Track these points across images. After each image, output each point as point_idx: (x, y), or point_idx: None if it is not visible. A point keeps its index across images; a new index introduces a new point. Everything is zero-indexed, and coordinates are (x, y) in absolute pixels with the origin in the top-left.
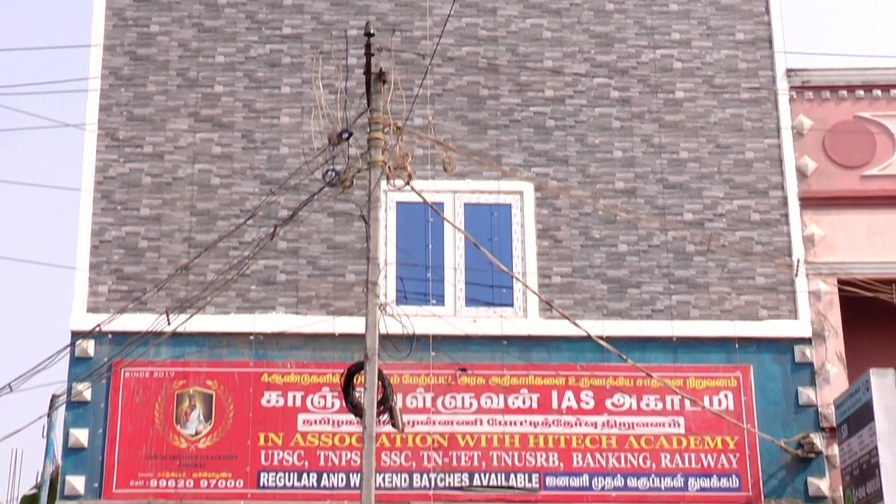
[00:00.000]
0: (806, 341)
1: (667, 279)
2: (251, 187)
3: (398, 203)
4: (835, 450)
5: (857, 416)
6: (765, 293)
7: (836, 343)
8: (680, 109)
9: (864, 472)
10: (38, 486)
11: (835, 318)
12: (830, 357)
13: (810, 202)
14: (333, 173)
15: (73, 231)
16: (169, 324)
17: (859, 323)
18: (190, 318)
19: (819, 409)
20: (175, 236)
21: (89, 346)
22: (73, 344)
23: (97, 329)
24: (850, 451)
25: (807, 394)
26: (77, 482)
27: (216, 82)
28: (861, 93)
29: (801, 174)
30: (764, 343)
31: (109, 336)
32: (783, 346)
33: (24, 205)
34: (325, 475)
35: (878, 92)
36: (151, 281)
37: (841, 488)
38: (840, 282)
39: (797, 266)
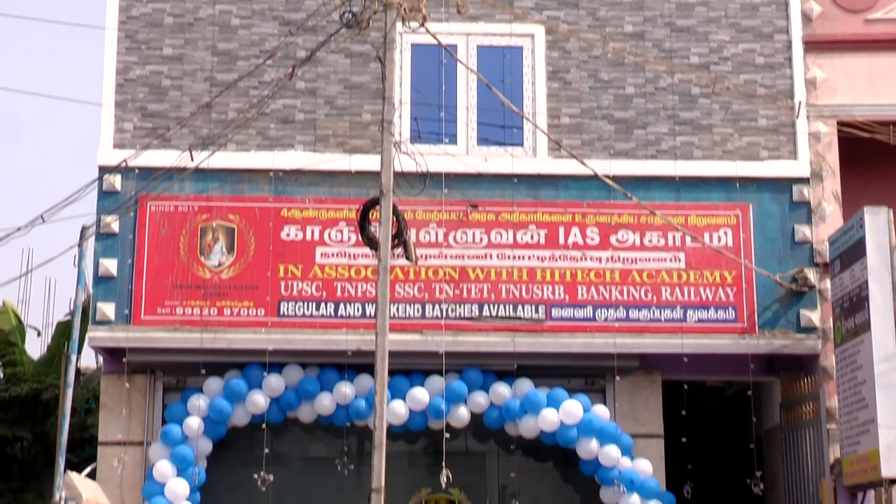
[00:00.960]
0: (804, 181)
1: (672, 121)
2: (270, 28)
3: (413, 45)
4: (827, 284)
5: (850, 252)
6: (766, 134)
7: (832, 183)
8: None
9: (853, 305)
10: (72, 313)
11: (833, 158)
12: (827, 196)
13: (814, 46)
14: (350, 15)
15: (99, 70)
16: (192, 160)
17: (856, 164)
18: (212, 154)
19: (814, 246)
20: (197, 75)
21: (116, 181)
22: (100, 178)
23: (123, 164)
24: (841, 285)
25: (803, 231)
26: (108, 309)
27: None
28: None
29: (806, 18)
30: (764, 182)
31: (136, 171)
32: (782, 185)
33: (52, 44)
34: (341, 305)
35: None
36: (175, 118)
37: (831, 320)
38: (840, 123)
39: (798, 108)
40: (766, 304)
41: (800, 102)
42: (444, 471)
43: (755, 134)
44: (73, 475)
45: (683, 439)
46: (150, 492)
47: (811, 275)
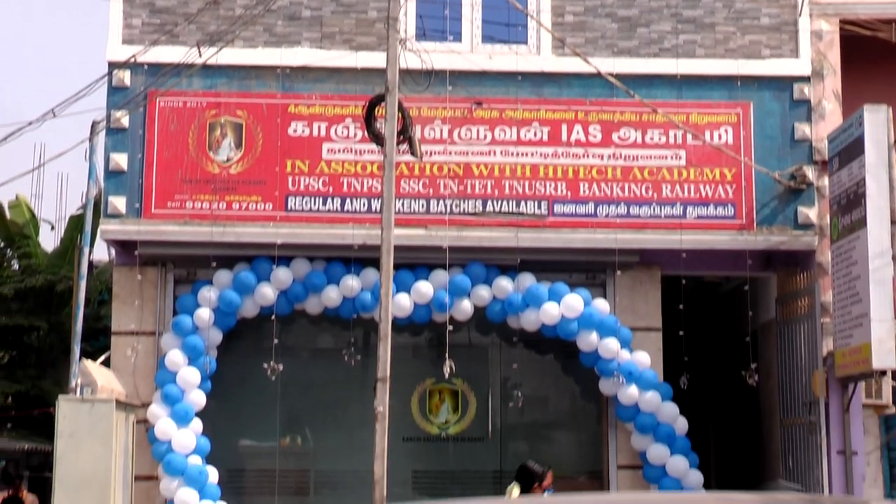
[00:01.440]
0: (805, 79)
1: (675, 19)
2: None
3: None
4: (825, 181)
5: (849, 149)
6: (768, 33)
7: (833, 81)
8: None
9: (850, 202)
10: (84, 207)
11: (834, 57)
12: (827, 94)
13: None
14: None
15: None
16: (200, 56)
17: (857, 62)
18: (219, 50)
19: (813, 144)
20: None
21: (126, 77)
22: (110, 74)
23: (132, 60)
24: (839, 183)
25: (802, 129)
26: (119, 203)
27: None
28: None
29: None
30: (765, 81)
31: (144, 67)
32: (783, 83)
33: None
34: (348, 200)
35: None
36: (183, 14)
37: (828, 217)
38: (842, 22)
39: (801, 6)
40: (765, 202)
41: (802, 0)
42: (447, 362)
43: (757, 32)
44: (88, 363)
45: (681, 332)
46: (163, 380)
47: (809, 172)
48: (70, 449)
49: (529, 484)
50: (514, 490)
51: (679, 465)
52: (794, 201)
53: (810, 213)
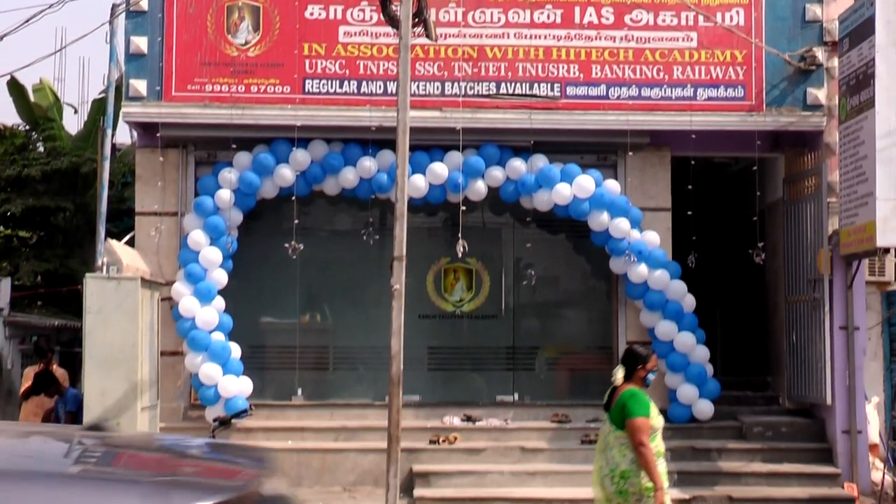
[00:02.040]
0: None
1: None
2: None
3: None
4: (835, 62)
5: (859, 30)
6: None
7: None
8: None
9: (859, 82)
10: (106, 90)
11: None
12: None
13: None
14: None
15: None
16: None
17: None
18: None
19: (823, 25)
20: None
21: None
22: None
23: None
24: (848, 64)
25: (813, 10)
26: (140, 85)
27: None
28: None
29: None
30: None
31: None
32: None
33: None
34: (364, 83)
35: None
36: None
37: (837, 97)
38: None
39: None
40: (775, 83)
41: None
42: (459, 241)
43: None
44: (113, 243)
45: (690, 212)
46: (186, 259)
47: (819, 53)
48: (98, 325)
49: (633, 367)
50: (619, 373)
51: (686, 341)
52: (803, 82)
53: (819, 93)
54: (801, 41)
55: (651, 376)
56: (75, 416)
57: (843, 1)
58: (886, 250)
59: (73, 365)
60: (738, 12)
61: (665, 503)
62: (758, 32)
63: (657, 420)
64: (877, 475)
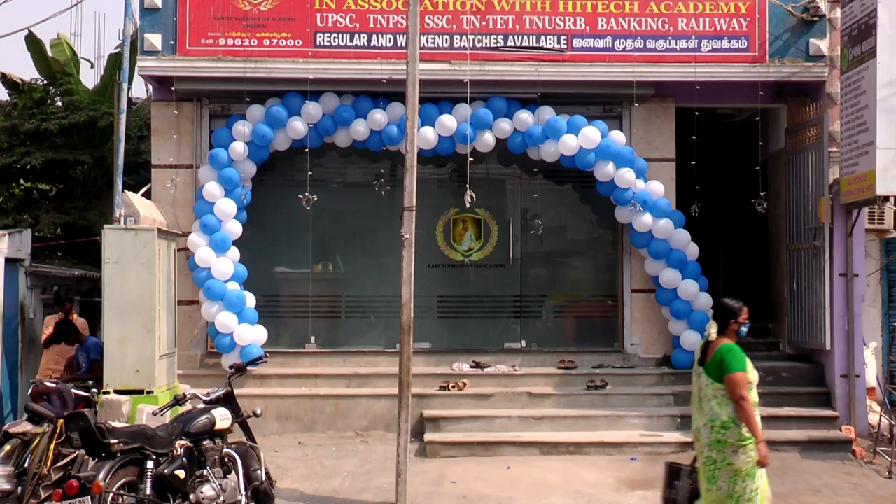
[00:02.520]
0: None
1: None
2: None
3: None
4: (837, 13)
5: None
6: None
7: None
8: None
9: (861, 33)
10: (121, 45)
11: None
12: None
13: None
14: None
15: None
16: None
17: None
18: None
19: None
20: None
21: None
22: None
23: None
24: (851, 14)
25: None
26: (154, 40)
27: None
28: None
29: None
30: None
31: None
32: None
33: None
34: (374, 36)
35: None
36: None
37: (839, 48)
38: None
39: None
40: (777, 34)
41: None
42: (468, 192)
43: None
44: (130, 195)
45: (693, 162)
46: (201, 210)
47: (822, 4)
48: (116, 274)
49: (726, 321)
50: (712, 329)
51: (689, 288)
52: (805, 33)
53: (821, 44)
54: None
55: (744, 328)
56: (97, 363)
57: None
58: (886, 198)
59: (94, 314)
60: None
61: (765, 454)
62: None
63: (753, 374)
64: (873, 418)
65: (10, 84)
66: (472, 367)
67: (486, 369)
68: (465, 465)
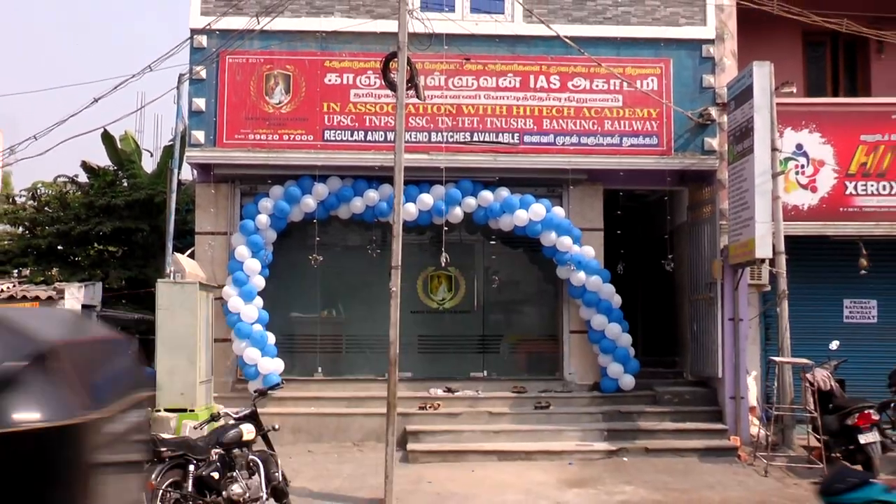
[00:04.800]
0: (710, 42)
1: None
2: None
3: None
4: (724, 118)
5: (742, 94)
6: (684, 6)
7: (731, 43)
8: None
9: (742, 134)
10: (174, 139)
11: (732, 25)
12: (727, 53)
13: None
14: None
15: None
16: (258, 24)
17: (749, 29)
18: (272, 19)
19: (716, 90)
20: None
21: (203, 40)
22: (192, 38)
23: (208, 27)
24: (734, 120)
25: (708, 79)
26: (199, 135)
27: None
28: None
29: None
30: (681, 43)
31: (217, 32)
32: (694, 45)
33: None
34: (369, 132)
35: None
36: None
37: (727, 145)
38: None
39: None
40: (680, 134)
41: None
42: (443, 255)
43: (675, 5)
44: (178, 256)
45: (618, 232)
46: (233, 268)
47: (713, 112)
48: (167, 318)
49: None
50: None
51: (614, 329)
52: (701, 133)
53: (713, 142)
54: (699, 102)
55: None
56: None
57: (730, 72)
58: (763, 261)
59: (149, 349)
60: (652, 80)
61: None
62: (668, 95)
63: None
64: (754, 430)
65: (89, 169)
66: (444, 391)
67: (455, 393)
68: (439, 469)
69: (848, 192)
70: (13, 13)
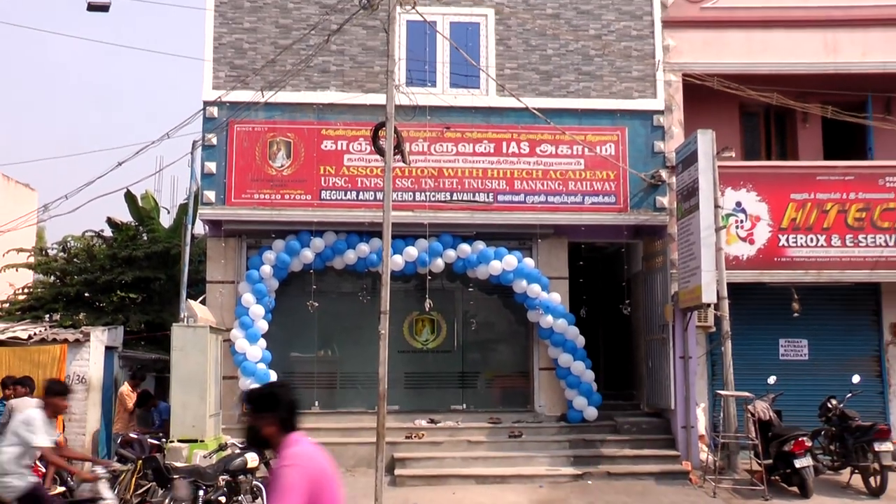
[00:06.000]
0: (660, 112)
1: (577, 72)
2: (314, 10)
3: (407, 21)
4: (674, 180)
5: (688, 158)
6: (637, 82)
7: (678, 114)
8: None
9: (689, 193)
10: (188, 198)
11: (679, 98)
12: (675, 122)
13: (668, 24)
14: (366, 0)
15: (202, 37)
16: (263, 97)
17: (694, 101)
18: (275, 93)
19: (665, 155)
20: (265, 41)
21: (214, 111)
22: (204, 109)
23: (219, 99)
24: (682, 181)
25: (659, 145)
26: (210, 195)
27: None
28: None
29: (664, 5)
30: (635, 114)
31: (227, 104)
32: (646, 115)
33: (170, 23)
34: (360, 192)
35: None
36: (251, 70)
37: (676, 203)
38: (684, 75)
39: (658, 65)
40: (635, 193)
41: (658, 61)
42: (427, 300)
43: (630, 81)
44: (191, 302)
45: (581, 280)
46: (240, 313)
47: (664, 174)
48: (181, 358)
49: None
50: None
51: (579, 367)
52: (654, 193)
53: (664, 200)
54: (651, 165)
55: None
56: (167, 422)
57: (677, 139)
58: (708, 305)
59: (164, 385)
60: (610, 146)
61: None
62: (624, 159)
63: None
64: (703, 456)
65: (113, 224)
66: (428, 422)
67: (438, 424)
68: (424, 492)
69: (781, 244)
70: (45, 81)
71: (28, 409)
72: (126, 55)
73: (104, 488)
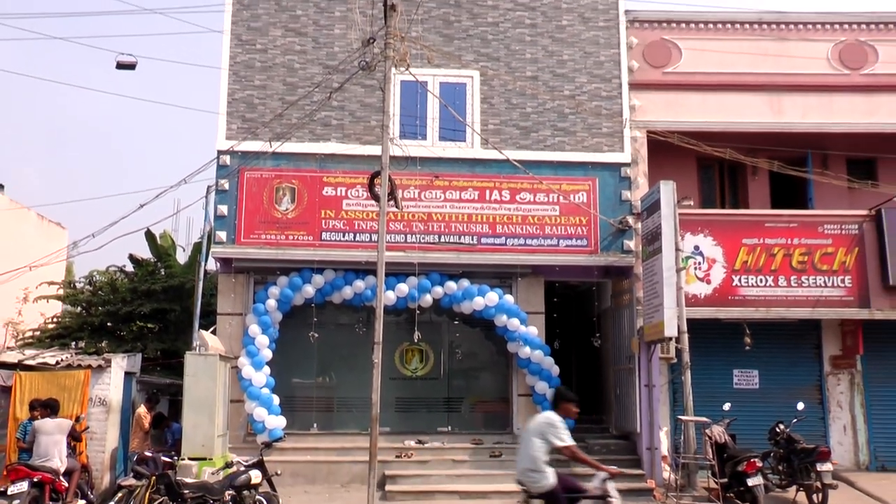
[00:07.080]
0: (627, 165)
1: (553, 128)
2: (317, 70)
3: (401, 81)
4: (639, 225)
5: (652, 206)
6: (607, 137)
7: (643, 166)
8: (563, 32)
9: (653, 237)
10: (202, 238)
11: (644, 152)
12: (640, 174)
13: (634, 86)
14: (364, 62)
15: (217, 92)
16: (271, 147)
17: (657, 155)
18: (281, 144)
19: (632, 203)
20: (274, 97)
21: (227, 159)
22: (218, 157)
23: (231, 149)
24: (647, 226)
25: (626, 194)
26: (222, 235)
27: (298, 9)
28: (664, 24)
29: (630, 70)
30: (605, 166)
31: (238, 153)
32: (615, 167)
33: (188, 79)
34: (357, 234)
35: (674, 24)
36: (261, 122)
37: (641, 246)
38: (648, 132)
39: (625, 122)
40: (605, 237)
41: (626, 119)
42: (416, 332)
43: (600, 137)
44: (203, 332)
45: (555, 315)
46: (247, 342)
47: (630, 219)
48: (193, 383)
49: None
50: None
51: (553, 393)
52: (622, 237)
53: (631, 244)
54: (619, 212)
55: None
56: (179, 441)
57: (642, 188)
58: (670, 338)
59: (177, 408)
60: (582, 194)
61: None
62: (594, 207)
63: None
64: (666, 475)
65: (135, 260)
66: (416, 443)
67: (425, 445)
68: None
69: (734, 284)
70: (78, 131)
71: (547, 413)
72: (149, 109)
73: (611, 488)
